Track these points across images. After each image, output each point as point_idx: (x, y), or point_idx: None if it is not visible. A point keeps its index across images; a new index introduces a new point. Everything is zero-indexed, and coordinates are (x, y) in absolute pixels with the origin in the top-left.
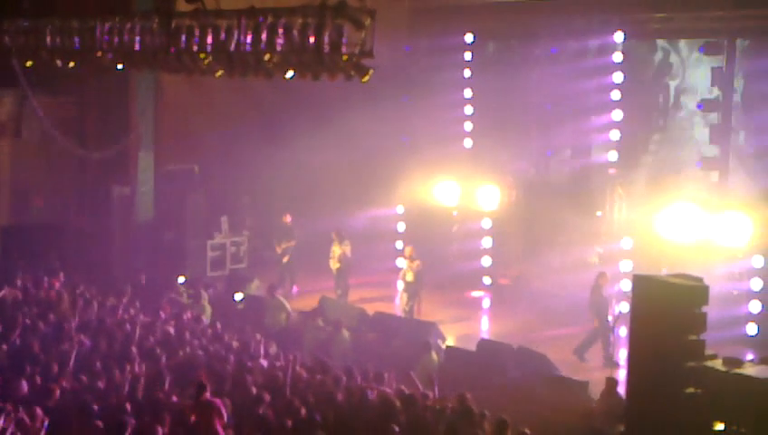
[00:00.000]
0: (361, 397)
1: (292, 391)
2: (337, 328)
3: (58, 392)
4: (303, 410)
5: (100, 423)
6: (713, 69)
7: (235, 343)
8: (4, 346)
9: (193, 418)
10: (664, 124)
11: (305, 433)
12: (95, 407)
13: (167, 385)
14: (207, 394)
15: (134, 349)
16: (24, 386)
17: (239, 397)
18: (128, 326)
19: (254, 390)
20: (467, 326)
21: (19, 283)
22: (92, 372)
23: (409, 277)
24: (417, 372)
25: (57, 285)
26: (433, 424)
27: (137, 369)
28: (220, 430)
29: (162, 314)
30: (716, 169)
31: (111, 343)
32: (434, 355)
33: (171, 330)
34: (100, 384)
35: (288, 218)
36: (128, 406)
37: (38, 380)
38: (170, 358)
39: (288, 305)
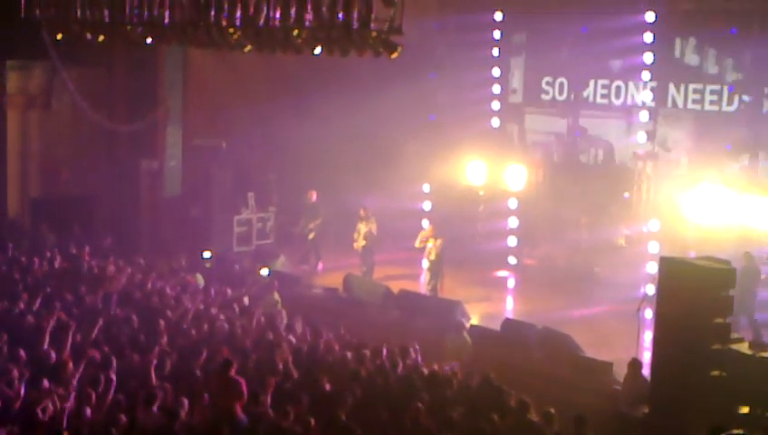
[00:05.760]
0: (385, 374)
1: (318, 366)
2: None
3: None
4: (327, 386)
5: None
6: (744, 51)
7: (262, 319)
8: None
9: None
10: (693, 105)
11: (327, 410)
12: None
13: (196, 358)
14: (233, 371)
15: (162, 322)
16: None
17: (265, 372)
18: (156, 299)
19: (280, 365)
20: (492, 306)
21: (48, 254)
22: (121, 343)
23: (432, 256)
24: (448, 353)
25: (86, 257)
26: (457, 403)
27: (164, 342)
28: (238, 409)
29: (189, 288)
30: (746, 151)
31: (141, 315)
32: (467, 336)
33: (200, 305)
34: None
35: (313, 195)
36: (156, 378)
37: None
38: (197, 332)
39: None
